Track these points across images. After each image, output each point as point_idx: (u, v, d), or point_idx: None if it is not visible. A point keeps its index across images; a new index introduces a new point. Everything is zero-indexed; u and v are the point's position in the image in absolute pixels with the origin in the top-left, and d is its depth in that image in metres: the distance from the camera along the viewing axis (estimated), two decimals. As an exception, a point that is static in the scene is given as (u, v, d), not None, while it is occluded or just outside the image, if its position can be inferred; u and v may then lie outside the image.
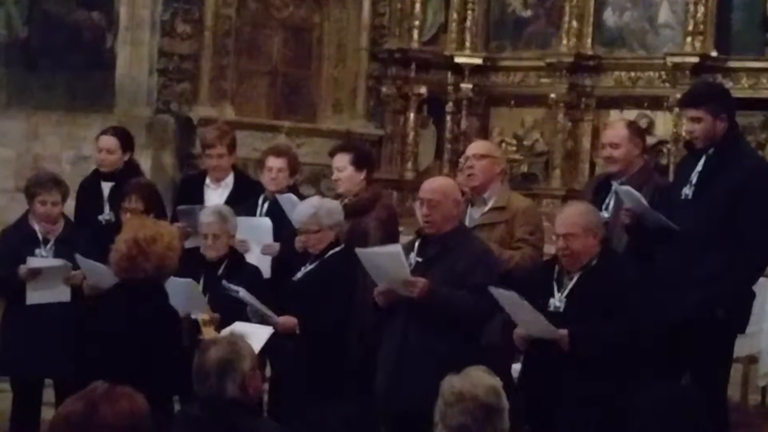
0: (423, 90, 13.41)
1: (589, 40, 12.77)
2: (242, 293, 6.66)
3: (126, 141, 8.28)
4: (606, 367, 5.87)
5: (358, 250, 6.39)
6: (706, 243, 6.26)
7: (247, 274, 6.99)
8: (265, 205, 7.88)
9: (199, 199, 8.05)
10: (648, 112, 12.41)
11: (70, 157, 11.70)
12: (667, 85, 12.28)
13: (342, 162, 7.61)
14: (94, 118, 11.54)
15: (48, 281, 7.28)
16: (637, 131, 7.20)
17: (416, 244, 6.44)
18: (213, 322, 6.43)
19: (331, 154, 7.86)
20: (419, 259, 6.35)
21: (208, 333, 6.18)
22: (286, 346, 6.72)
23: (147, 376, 4.53)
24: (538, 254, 6.98)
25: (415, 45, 13.42)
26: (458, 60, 13.38)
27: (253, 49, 13.14)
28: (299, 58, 13.38)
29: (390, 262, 6.20)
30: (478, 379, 4.26)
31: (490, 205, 7.06)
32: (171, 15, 12.36)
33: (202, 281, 6.86)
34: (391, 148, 13.49)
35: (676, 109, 11.72)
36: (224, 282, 6.76)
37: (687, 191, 6.44)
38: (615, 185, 6.75)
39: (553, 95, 12.78)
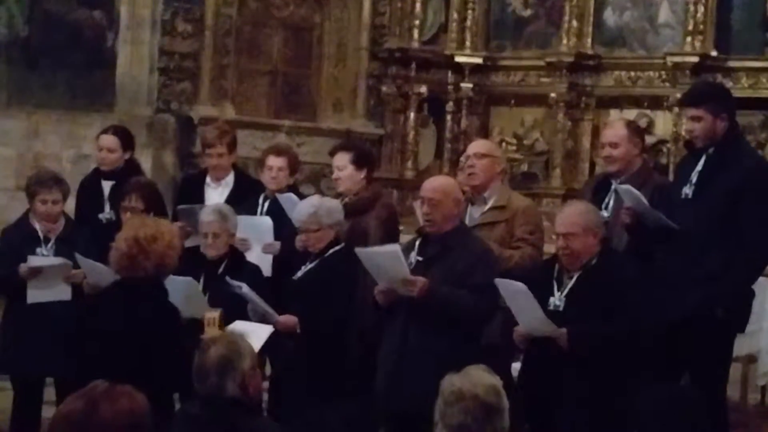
0: (423, 89, 13.42)
1: (589, 40, 12.78)
2: (245, 289, 6.67)
3: (126, 140, 8.28)
4: (605, 366, 5.87)
5: (358, 250, 6.39)
6: (705, 242, 6.27)
7: (248, 273, 6.99)
8: (266, 204, 7.88)
9: (200, 198, 8.06)
10: (648, 111, 12.42)
11: (70, 156, 11.71)
12: (667, 84, 12.29)
13: (342, 161, 7.61)
14: (95, 117, 11.56)
15: (49, 280, 7.28)
16: (636, 131, 7.20)
17: (417, 243, 6.45)
18: (216, 321, 6.43)
19: (332, 154, 7.86)
20: (420, 258, 6.35)
21: (211, 332, 6.18)
22: (287, 345, 6.72)
23: (147, 375, 4.53)
24: (538, 254, 6.99)
25: (415, 44, 13.43)
26: (458, 59, 13.39)
27: (253, 49, 13.15)
28: (299, 57, 13.39)
29: (389, 261, 6.21)
30: (478, 378, 4.27)
31: (490, 204, 7.07)
32: (171, 14, 12.38)
33: (202, 280, 6.86)
34: (392, 147, 13.50)
35: (676, 109, 11.75)
36: (227, 278, 6.77)
37: (687, 190, 6.44)
38: (615, 184, 6.76)
39: (553, 95, 12.79)
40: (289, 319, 6.71)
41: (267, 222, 7.68)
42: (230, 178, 8.22)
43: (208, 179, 8.26)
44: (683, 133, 11.04)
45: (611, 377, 5.85)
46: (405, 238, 7.18)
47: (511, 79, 13.37)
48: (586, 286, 6.06)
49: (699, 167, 6.43)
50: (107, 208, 8.01)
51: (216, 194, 8.12)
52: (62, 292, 7.29)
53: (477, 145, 7.39)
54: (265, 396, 6.90)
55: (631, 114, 11.97)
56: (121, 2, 12.13)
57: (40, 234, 7.42)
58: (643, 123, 11.78)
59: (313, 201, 7.10)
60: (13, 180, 11.38)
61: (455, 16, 13.40)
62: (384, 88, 13.50)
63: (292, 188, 7.99)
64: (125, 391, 3.44)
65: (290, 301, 6.83)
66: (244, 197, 7.93)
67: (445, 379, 4.29)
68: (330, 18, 13.36)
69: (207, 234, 7.05)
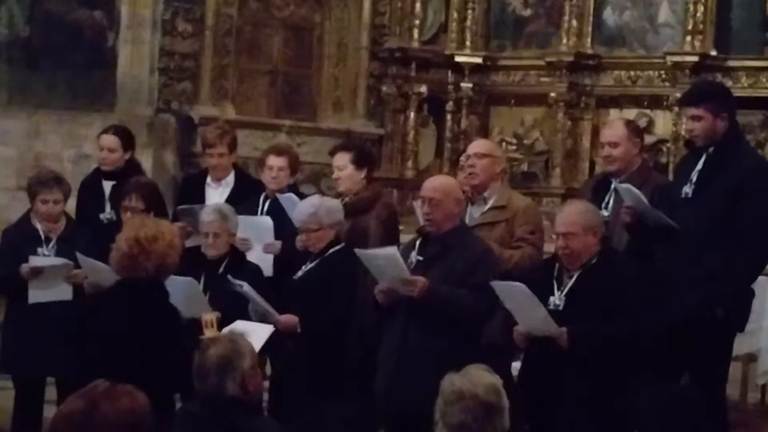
0: (423, 89, 13.42)
1: (589, 40, 12.79)
2: (246, 288, 6.67)
3: (127, 140, 8.28)
4: (606, 366, 5.88)
5: (358, 251, 6.40)
6: (705, 242, 6.27)
7: (248, 273, 6.99)
8: (266, 204, 7.89)
9: (200, 198, 8.07)
10: (648, 111, 12.43)
11: (71, 156, 11.72)
12: (667, 84, 12.30)
13: (342, 161, 7.62)
14: (95, 116, 11.57)
15: (50, 280, 7.28)
16: (636, 130, 7.21)
17: (417, 242, 6.46)
18: (215, 321, 6.44)
19: (332, 153, 7.87)
20: (420, 258, 6.36)
21: (210, 332, 6.19)
22: (287, 345, 6.73)
23: (147, 375, 4.54)
24: (538, 254, 6.99)
25: (415, 44, 13.44)
26: (458, 59, 13.39)
27: (253, 48, 13.16)
28: (300, 57, 13.39)
29: (388, 263, 6.22)
30: (478, 378, 4.27)
31: (490, 204, 7.07)
32: (172, 14, 12.39)
33: (202, 280, 6.87)
34: (392, 147, 13.51)
35: (676, 108, 11.76)
36: (228, 276, 6.77)
37: (687, 190, 6.45)
38: (615, 183, 6.76)
39: (553, 94, 12.80)
40: (289, 319, 6.72)
41: (267, 222, 7.69)
42: (231, 178, 8.23)
43: (208, 179, 8.27)
44: (683, 132, 11.07)
45: (611, 377, 5.86)
46: (405, 237, 7.19)
47: (511, 79, 13.38)
48: (586, 286, 6.06)
49: (699, 166, 6.44)
50: (108, 208, 8.01)
51: (216, 194, 8.12)
52: (63, 292, 7.30)
53: (477, 145, 7.39)
54: (266, 395, 6.90)
55: (630, 113, 11.98)
56: (122, 2, 12.13)
57: (42, 234, 7.43)
58: (642, 122, 11.79)
59: (314, 201, 7.10)
60: (14, 180, 11.38)
61: (455, 15, 13.40)
62: (384, 88, 13.50)
63: (293, 188, 7.99)
64: (126, 391, 3.45)
65: (291, 300, 6.83)
66: (244, 197, 7.94)
67: (446, 378, 4.29)
68: (330, 18, 13.37)
69: (207, 234, 7.06)
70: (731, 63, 11.98)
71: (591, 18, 12.76)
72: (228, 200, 7.84)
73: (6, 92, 11.94)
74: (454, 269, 6.23)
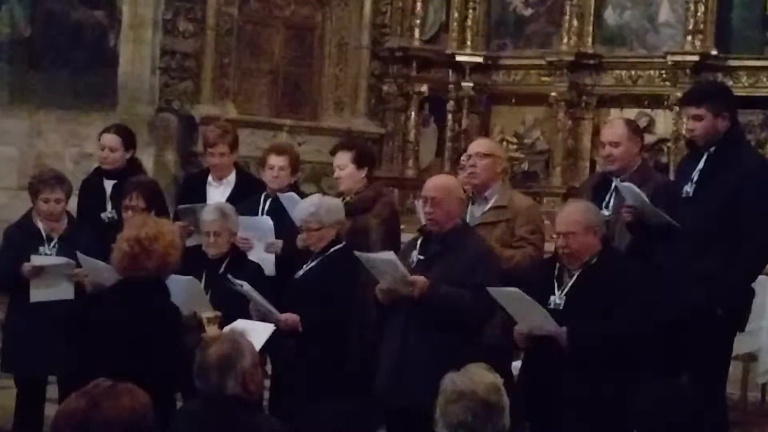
0: (424, 88, 13.45)
1: (590, 39, 12.82)
2: (246, 287, 6.68)
3: (128, 139, 8.28)
4: (606, 365, 5.88)
5: (357, 254, 6.41)
6: (706, 241, 6.28)
7: (249, 272, 7.00)
8: (267, 203, 7.89)
9: (202, 197, 8.07)
10: (648, 110, 12.46)
11: (72, 155, 11.73)
12: (668, 83, 12.32)
13: (343, 160, 7.62)
14: (97, 116, 11.58)
15: (51, 279, 7.28)
16: (636, 129, 7.22)
17: (418, 241, 6.47)
18: (216, 319, 6.44)
19: (333, 153, 7.87)
20: (421, 257, 6.37)
21: (211, 331, 6.19)
22: (288, 344, 6.73)
23: (148, 374, 4.54)
24: (539, 254, 6.98)
25: (416, 43, 13.47)
26: (459, 58, 13.43)
27: (254, 48, 13.18)
28: (301, 56, 13.42)
29: (387, 266, 6.23)
30: (478, 377, 4.28)
31: (491, 203, 7.06)
32: (173, 13, 12.40)
33: (203, 279, 6.87)
34: (392, 146, 13.54)
35: (677, 108, 11.77)
36: (229, 276, 6.78)
37: (688, 189, 6.46)
38: (616, 182, 6.76)
39: (553, 94, 12.83)
40: (290, 318, 6.72)
41: (267, 222, 7.69)
42: (232, 177, 8.23)
43: (209, 178, 8.27)
44: (684, 132, 11.08)
45: (611, 376, 5.86)
46: (406, 237, 7.20)
47: (512, 78, 13.41)
48: (587, 285, 6.06)
49: (700, 166, 6.44)
50: (109, 207, 8.01)
51: (218, 193, 8.13)
52: (65, 291, 7.29)
53: (478, 145, 7.36)
54: (267, 394, 6.91)
55: (631, 113, 12.01)
56: (123, 2, 12.15)
57: (43, 233, 7.42)
58: (643, 122, 11.82)
59: (314, 200, 7.11)
60: (16, 179, 11.40)
61: (456, 15, 13.44)
62: (385, 87, 13.53)
63: (293, 187, 7.99)
64: (127, 390, 3.46)
65: (292, 299, 6.84)
66: (245, 196, 7.94)
67: (446, 377, 4.30)
68: (331, 17, 13.39)
69: (208, 233, 7.06)
70: (732, 62, 12.00)
71: (592, 17, 12.79)
72: (229, 199, 7.84)
73: (7, 91, 11.95)
74: (454, 268, 6.23)
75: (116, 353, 5.37)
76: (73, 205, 7.89)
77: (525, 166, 13.11)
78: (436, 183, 6.51)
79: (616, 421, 5.15)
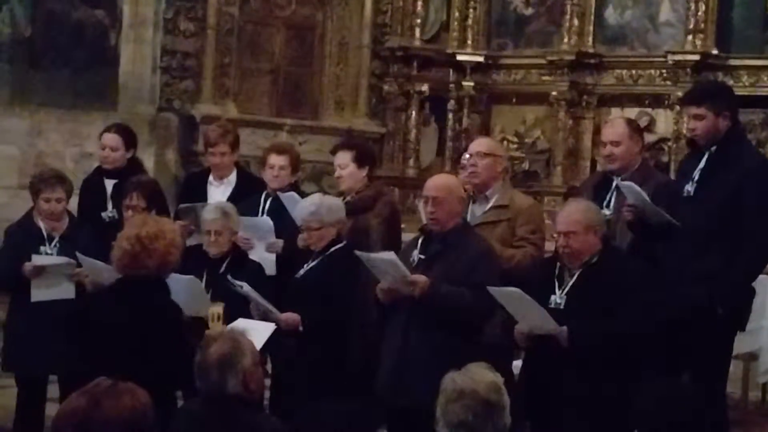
0: (425, 88, 13.46)
1: (591, 38, 12.82)
2: (246, 288, 6.68)
3: (129, 138, 8.28)
4: (606, 364, 5.88)
5: (358, 254, 6.41)
6: (706, 240, 6.29)
7: (250, 271, 7.00)
8: (267, 202, 7.89)
9: (202, 197, 8.07)
10: (649, 109, 12.46)
11: (73, 154, 11.73)
12: (668, 83, 12.33)
13: (344, 159, 7.62)
14: (97, 115, 11.59)
15: (52, 279, 7.29)
16: (637, 129, 7.23)
17: (419, 241, 6.47)
18: (220, 315, 6.44)
19: (333, 152, 7.87)
20: (422, 256, 6.37)
21: (216, 327, 6.18)
22: (288, 344, 6.73)
23: (149, 372, 4.54)
24: (540, 253, 6.98)
25: (417, 43, 13.48)
26: (460, 58, 13.43)
27: (255, 47, 13.18)
28: (301, 55, 13.43)
29: (388, 266, 6.23)
30: (479, 376, 4.29)
31: (492, 203, 7.06)
32: (174, 13, 12.41)
33: (204, 278, 6.87)
34: (393, 145, 13.54)
35: (677, 107, 11.77)
36: (228, 277, 6.78)
37: (689, 188, 6.46)
38: (617, 181, 6.76)
39: (554, 93, 12.83)
40: (291, 317, 6.73)
41: (267, 222, 7.69)
42: (233, 177, 8.23)
43: (210, 178, 8.27)
44: (685, 131, 11.08)
45: (612, 375, 5.86)
46: (407, 236, 7.20)
47: (513, 78, 13.41)
48: (587, 284, 6.06)
49: (701, 165, 6.45)
50: (110, 206, 8.01)
51: (218, 193, 8.13)
52: (66, 291, 7.30)
53: (479, 144, 7.33)
54: (267, 393, 6.91)
55: (632, 112, 12.01)
56: (124, 1, 12.17)
57: (44, 232, 7.42)
58: (644, 121, 11.83)
59: (315, 199, 7.10)
60: (16, 178, 11.40)
61: (457, 14, 13.44)
62: (386, 87, 13.54)
63: (294, 187, 7.99)
64: (128, 389, 3.46)
65: (292, 299, 6.84)
66: (246, 196, 7.94)
67: (447, 376, 4.30)
68: (332, 17, 13.39)
69: (210, 231, 7.06)
70: (732, 62, 12.00)
71: (592, 17, 12.79)
72: (230, 199, 7.84)
73: (8, 91, 11.95)
74: (455, 268, 6.23)
75: (116, 352, 5.37)
76: (73, 204, 7.89)
77: (526, 165, 13.12)
78: (437, 182, 6.51)
79: (617, 421, 5.15)
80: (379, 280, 6.34)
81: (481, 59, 13.38)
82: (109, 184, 8.10)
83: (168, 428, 4.52)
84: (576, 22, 12.71)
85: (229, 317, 6.48)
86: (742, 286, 6.40)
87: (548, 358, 5.99)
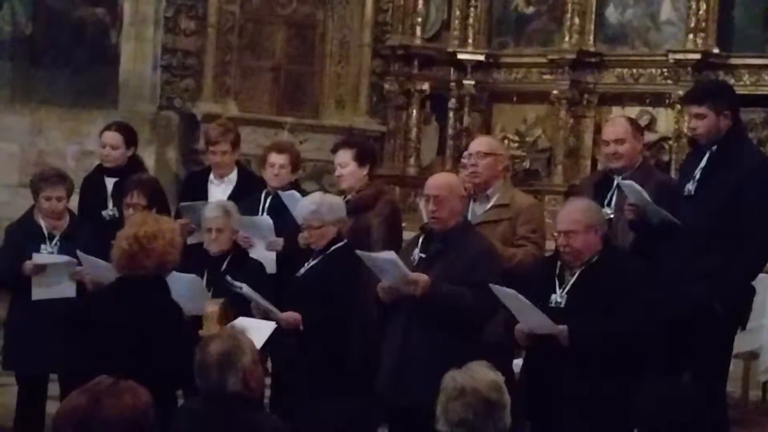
0: (425, 86, 13.45)
1: (591, 37, 12.81)
2: (245, 289, 6.67)
3: (130, 137, 8.28)
4: (606, 363, 5.88)
5: (359, 253, 6.41)
6: (706, 239, 6.29)
7: (250, 270, 7.00)
8: (267, 201, 7.89)
9: (203, 195, 8.07)
10: (650, 108, 12.45)
11: (74, 152, 11.73)
12: (669, 81, 12.31)
13: (345, 158, 7.62)
14: (98, 113, 11.59)
15: (53, 277, 7.29)
16: (638, 127, 7.25)
17: (420, 239, 6.47)
18: (216, 315, 6.44)
19: (334, 151, 7.87)
20: (422, 255, 6.37)
21: (209, 328, 6.18)
22: (289, 343, 6.73)
23: (148, 371, 4.54)
24: (541, 253, 6.98)
25: (417, 41, 13.47)
26: (461, 56, 13.43)
27: (256, 46, 13.18)
28: (302, 54, 13.42)
29: (388, 266, 6.23)
30: (479, 375, 4.29)
31: (492, 202, 7.05)
32: (175, 11, 12.41)
33: (205, 277, 6.87)
34: (394, 144, 13.54)
35: (678, 106, 11.77)
36: (227, 278, 6.77)
37: (690, 187, 6.47)
38: (618, 180, 6.75)
39: (555, 92, 12.82)
40: (292, 316, 6.72)
41: (267, 221, 7.69)
42: (233, 175, 8.23)
43: (211, 176, 8.27)
44: (686, 130, 11.08)
45: (612, 374, 5.86)
46: (408, 235, 7.20)
47: (514, 76, 13.40)
48: (588, 283, 6.06)
49: (702, 164, 6.45)
50: (110, 205, 8.01)
51: (219, 191, 8.13)
52: (66, 290, 7.30)
53: (479, 144, 7.29)
54: (268, 392, 6.91)
55: (633, 111, 12.00)
56: (125, -1, 12.17)
57: (45, 231, 7.43)
58: (645, 120, 11.83)
59: (315, 198, 7.10)
60: (17, 176, 11.40)
61: (458, 13, 13.43)
62: (386, 85, 13.53)
63: (294, 185, 8.00)
64: (129, 387, 3.46)
65: (293, 298, 6.84)
66: (247, 194, 7.94)
67: (447, 375, 4.31)
68: (333, 15, 13.39)
69: (211, 229, 7.06)
70: (733, 60, 11.99)
71: (593, 16, 12.78)
72: (230, 197, 7.85)
73: (9, 89, 11.95)
74: (456, 267, 6.23)
75: (117, 351, 5.38)
76: (74, 203, 7.90)
77: (526, 164, 13.11)
78: (438, 181, 6.51)
79: (617, 420, 5.15)
80: (380, 279, 6.34)
81: (481, 58, 13.38)
82: (110, 182, 8.10)
83: (168, 427, 4.53)
84: (577, 20, 12.71)
85: (229, 314, 6.47)
86: (742, 286, 6.40)
87: (549, 358, 5.99)
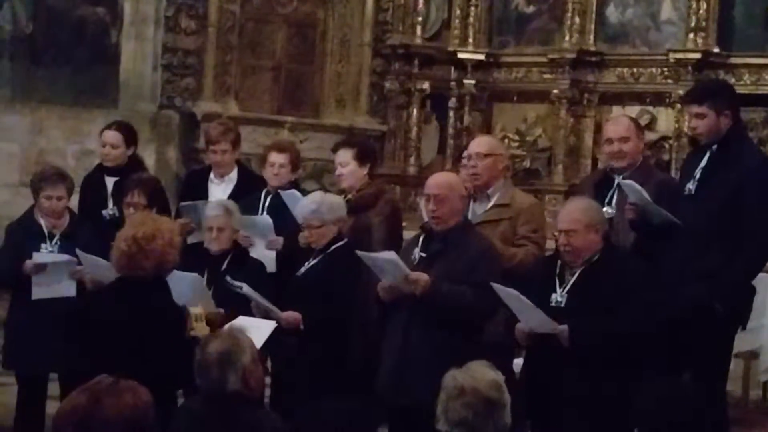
0: (426, 85, 13.44)
1: (592, 36, 12.79)
2: (245, 289, 6.67)
3: (130, 136, 8.29)
4: (607, 362, 5.88)
5: (359, 253, 6.41)
6: (706, 238, 6.28)
7: (251, 269, 7.01)
8: (267, 200, 7.90)
9: (203, 195, 8.08)
10: (650, 108, 12.44)
11: (74, 152, 11.73)
12: (670, 81, 12.30)
13: (345, 157, 7.63)
14: (98, 113, 11.59)
15: (53, 276, 7.29)
16: (639, 126, 7.27)
17: (420, 239, 6.47)
18: (202, 317, 6.43)
19: (334, 150, 7.87)
20: (423, 255, 6.37)
21: (199, 329, 6.15)
22: (289, 342, 6.73)
23: (148, 371, 4.54)
24: (542, 252, 6.97)
25: (418, 41, 13.46)
26: (461, 56, 13.41)
27: (256, 45, 13.18)
28: (303, 53, 13.41)
29: (388, 266, 6.23)
30: (480, 374, 4.29)
31: (493, 201, 7.04)
32: (175, 10, 12.42)
33: (205, 276, 6.87)
34: (394, 143, 13.53)
35: (679, 105, 11.76)
36: (227, 278, 6.77)
37: (690, 186, 6.47)
38: (619, 180, 6.75)
39: (555, 91, 12.81)
40: (292, 316, 6.72)
41: (267, 221, 7.69)
42: (234, 175, 8.24)
43: (211, 175, 8.27)
44: (686, 129, 11.08)
45: (612, 374, 5.86)
46: (408, 234, 7.20)
47: (514, 76, 13.39)
48: (588, 283, 6.06)
49: (703, 164, 6.45)
50: (111, 204, 8.01)
51: (219, 190, 8.13)
52: (67, 289, 7.30)
53: (479, 145, 7.25)
54: (268, 392, 6.91)
55: (633, 110, 11.98)
56: (125, -1, 12.18)
57: (45, 230, 7.43)
58: (645, 119, 11.82)
59: (316, 197, 7.11)
60: (17, 175, 11.41)
61: (458, 12, 13.42)
62: (387, 85, 13.52)
63: (294, 184, 8.00)
64: (129, 387, 3.46)
65: (293, 297, 6.84)
66: (247, 193, 7.95)
67: (448, 374, 4.31)
68: (333, 14, 13.38)
69: (212, 228, 7.07)
70: (734, 60, 11.98)
71: (594, 15, 12.76)
72: (231, 196, 7.85)
73: (9, 88, 11.96)
74: (456, 266, 6.23)
75: (117, 351, 5.38)
76: (74, 202, 7.90)
77: (527, 163, 13.10)
78: (438, 180, 6.51)
79: (618, 420, 5.15)
80: (380, 279, 6.34)
81: (482, 57, 13.36)
82: (110, 181, 8.11)
83: (168, 426, 4.53)
84: (577, 20, 12.69)
85: (224, 321, 6.46)
86: (742, 285, 6.40)
87: (549, 357, 5.99)
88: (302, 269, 6.95)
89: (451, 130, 13.52)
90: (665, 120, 12.37)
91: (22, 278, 7.28)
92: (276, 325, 6.62)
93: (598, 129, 12.26)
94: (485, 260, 6.31)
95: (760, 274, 6.60)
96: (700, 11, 11.97)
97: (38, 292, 7.28)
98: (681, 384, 5.35)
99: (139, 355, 5.29)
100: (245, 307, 6.72)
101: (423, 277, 6.16)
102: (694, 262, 6.26)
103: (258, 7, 13.17)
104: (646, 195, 6.44)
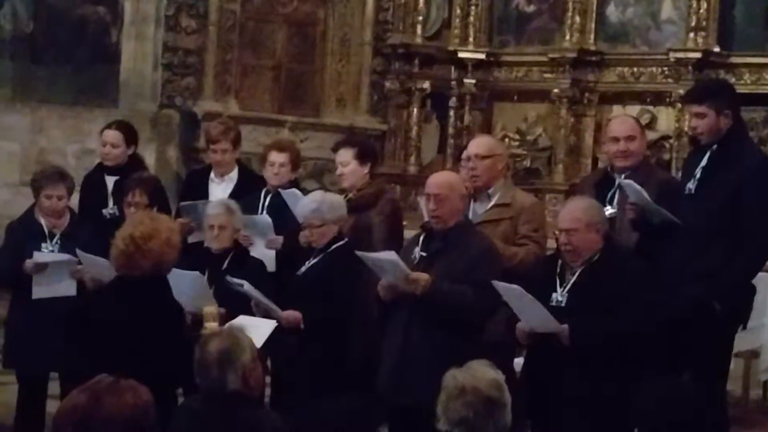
0: (426, 85, 13.44)
1: (592, 36, 12.79)
2: (246, 287, 6.67)
3: (130, 135, 8.29)
4: (607, 362, 5.88)
5: (359, 254, 6.40)
6: (706, 238, 6.28)
7: (251, 268, 7.01)
8: (267, 199, 7.90)
9: (204, 194, 8.08)
10: (650, 107, 12.44)
11: (74, 151, 11.73)
12: (670, 80, 12.30)
13: (345, 157, 7.62)
14: (99, 112, 11.60)
15: (53, 276, 7.29)
16: (642, 125, 7.27)
17: (420, 238, 6.47)
18: (216, 315, 6.44)
19: (335, 149, 7.87)
20: (423, 254, 6.37)
21: (213, 328, 6.18)
22: (289, 341, 6.73)
23: (148, 371, 4.55)
24: (542, 252, 6.97)
25: (418, 40, 13.46)
26: (462, 55, 13.41)
27: (257, 44, 13.18)
28: (303, 52, 13.42)
29: (389, 266, 6.23)
30: (480, 373, 4.29)
31: (494, 201, 7.04)
32: (176, 10, 12.42)
33: (206, 275, 6.87)
34: (395, 142, 13.53)
35: (679, 105, 11.76)
36: (228, 276, 6.78)
37: (690, 186, 6.46)
38: (620, 179, 6.75)
39: (556, 90, 12.81)
40: (292, 315, 6.72)
41: (266, 220, 7.69)
42: (234, 174, 8.24)
43: (212, 175, 8.28)
44: (686, 129, 11.08)
45: (613, 374, 5.86)
46: (408, 233, 7.20)
47: (514, 75, 13.39)
48: (589, 282, 6.06)
49: (703, 163, 6.45)
50: (111, 203, 8.02)
51: (219, 190, 8.14)
52: (67, 288, 7.31)
53: (478, 146, 7.20)
54: (268, 391, 6.91)
55: (633, 110, 11.99)
56: (126, -2, 12.18)
57: (45, 229, 7.43)
58: (645, 119, 11.82)
59: (316, 196, 7.10)
60: (18, 175, 11.40)
61: (458, 11, 13.42)
62: (387, 84, 13.52)
63: (294, 184, 8.00)
64: (129, 386, 3.47)
65: (293, 296, 6.84)
66: (247, 193, 7.95)
67: (448, 373, 4.31)
68: (333, 13, 13.39)
69: (213, 226, 7.07)
70: (734, 59, 11.98)
71: (594, 14, 12.77)
72: (231, 196, 7.85)
73: (10, 87, 11.96)
74: (456, 265, 6.23)
75: (117, 350, 5.38)
76: (74, 201, 7.90)
77: (527, 162, 13.10)
78: (438, 180, 6.51)
79: (618, 420, 5.15)
80: (381, 278, 6.34)
81: (482, 56, 13.36)
82: (110, 181, 8.11)
83: (168, 426, 4.53)
84: (578, 19, 12.69)
85: (227, 319, 6.46)
86: (742, 285, 6.39)
87: (549, 357, 5.99)
88: (303, 268, 6.95)
89: (451, 130, 13.52)
90: (665, 119, 12.37)
91: (23, 277, 7.29)
92: (276, 324, 6.62)
93: (599, 128, 12.28)
94: (486, 260, 6.31)
95: (760, 274, 6.59)
96: (701, 10, 11.97)
97: (38, 291, 7.29)
98: (681, 384, 5.35)
99: (139, 354, 5.30)
100: (246, 307, 6.72)
101: (423, 276, 6.16)
102: (694, 262, 6.26)
103: (258, 7, 13.17)
104: (645, 195, 6.44)
